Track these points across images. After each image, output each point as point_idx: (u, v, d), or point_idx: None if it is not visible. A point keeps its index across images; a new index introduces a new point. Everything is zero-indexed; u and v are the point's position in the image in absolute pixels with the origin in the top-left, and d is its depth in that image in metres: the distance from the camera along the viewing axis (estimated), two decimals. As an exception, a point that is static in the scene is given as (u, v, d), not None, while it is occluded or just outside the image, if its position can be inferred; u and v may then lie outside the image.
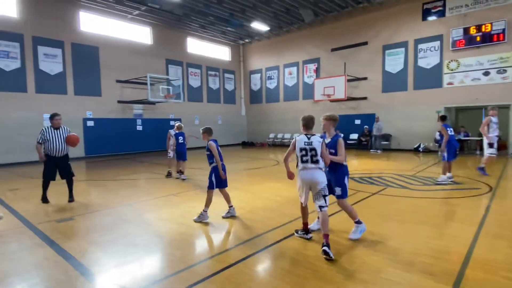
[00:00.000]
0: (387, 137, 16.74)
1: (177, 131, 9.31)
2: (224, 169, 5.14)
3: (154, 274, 3.34)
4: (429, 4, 15.22)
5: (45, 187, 6.49)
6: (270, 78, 22.36)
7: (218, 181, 5.10)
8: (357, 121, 17.75)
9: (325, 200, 3.79)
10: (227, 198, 5.27)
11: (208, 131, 5.27)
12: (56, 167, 6.40)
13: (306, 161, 3.78)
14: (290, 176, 4.15)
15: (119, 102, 16.87)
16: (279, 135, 21.71)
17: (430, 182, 7.96)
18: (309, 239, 4.11)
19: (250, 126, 24.06)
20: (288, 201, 6.30)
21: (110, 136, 16.47)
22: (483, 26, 13.79)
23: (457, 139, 9.06)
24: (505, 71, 13.51)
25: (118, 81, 16.79)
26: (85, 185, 8.71)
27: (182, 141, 9.13)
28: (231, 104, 23.52)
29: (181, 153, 9.14)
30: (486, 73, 13.97)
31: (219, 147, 5.19)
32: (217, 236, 4.55)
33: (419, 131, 15.83)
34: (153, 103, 17.67)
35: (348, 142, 17.70)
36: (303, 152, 3.79)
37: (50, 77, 14.45)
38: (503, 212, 5.33)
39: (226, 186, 5.24)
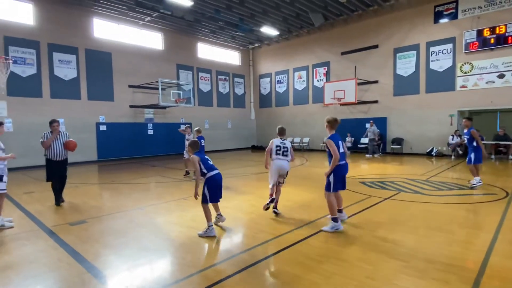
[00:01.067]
0: (399, 141, 16.52)
1: (198, 135, 9.79)
2: (219, 179, 4.72)
3: (165, 277, 3.37)
4: (441, 6, 15.01)
5: (55, 190, 6.66)
6: (279, 82, 22.37)
7: (211, 194, 4.64)
8: (368, 125, 17.53)
9: (283, 180, 5.74)
10: (216, 207, 4.96)
11: (192, 145, 4.77)
12: (57, 170, 6.60)
13: (280, 154, 5.58)
14: (266, 165, 5.76)
15: (131, 106, 17.14)
16: (289, 139, 21.63)
17: (444, 187, 7.81)
18: (272, 201, 5.53)
19: (259, 130, 24.07)
20: (298, 206, 6.27)
21: (122, 140, 16.72)
22: (497, 28, 13.52)
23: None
24: (521, 73, 13.20)
25: (130, 86, 17.07)
26: (98, 189, 8.85)
27: (203, 144, 9.36)
28: (240, 108, 23.61)
29: None
30: (501, 76, 13.66)
31: (206, 160, 4.72)
32: (227, 240, 4.55)
33: (432, 135, 15.55)
34: (164, 107, 17.88)
35: (358, 146, 17.56)
36: (278, 148, 5.60)
37: (65, 82, 14.80)
38: (521, 219, 5.18)
39: (218, 200, 4.81)
